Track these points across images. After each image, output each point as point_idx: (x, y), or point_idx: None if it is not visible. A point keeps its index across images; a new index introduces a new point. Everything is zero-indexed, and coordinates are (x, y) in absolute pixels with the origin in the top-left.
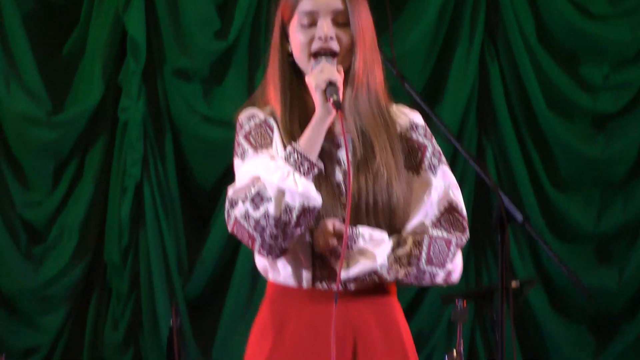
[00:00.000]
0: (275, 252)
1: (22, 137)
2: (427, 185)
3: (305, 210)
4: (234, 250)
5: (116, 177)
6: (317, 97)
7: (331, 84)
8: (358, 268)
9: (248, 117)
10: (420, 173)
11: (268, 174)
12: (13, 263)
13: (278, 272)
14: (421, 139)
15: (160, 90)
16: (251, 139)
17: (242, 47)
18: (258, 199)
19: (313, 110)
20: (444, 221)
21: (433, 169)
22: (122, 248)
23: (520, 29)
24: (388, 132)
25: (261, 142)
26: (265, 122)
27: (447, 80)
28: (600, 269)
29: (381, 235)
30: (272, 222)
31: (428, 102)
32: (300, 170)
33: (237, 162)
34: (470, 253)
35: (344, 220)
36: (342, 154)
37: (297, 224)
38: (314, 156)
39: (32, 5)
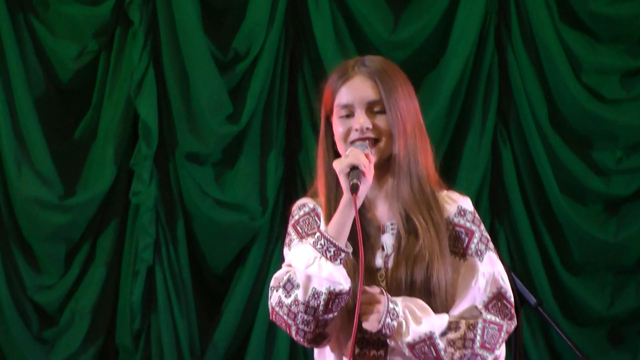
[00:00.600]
0: (309, 337)
1: (34, 221)
2: (474, 270)
3: (332, 295)
4: (246, 335)
5: (128, 260)
6: (342, 182)
7: (354, 168)
8: (415, 334)
9: (299, 207)
10: (467, 258)
11: (298, 261)
12: (24, 347)
13: (324, 357)
14: (469, 225)
15: (172, 173)
16: (298, 228)
17: (253, 131)
18: (289, 286)
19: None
20: (492, 307)
21: (480, 254)
22: (134, 332)
23: (532, 113)
24: (432, 217)
25: (307, 230)
26: (314, 210)
27: (460, 163)
28: (613, 353)
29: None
30: (301, 308)
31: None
32: (326, 256)
33: (285, 250)
34: None
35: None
36: (385, 239)
37: (326, 309)
38: (341, 241)
39: (43, 89)
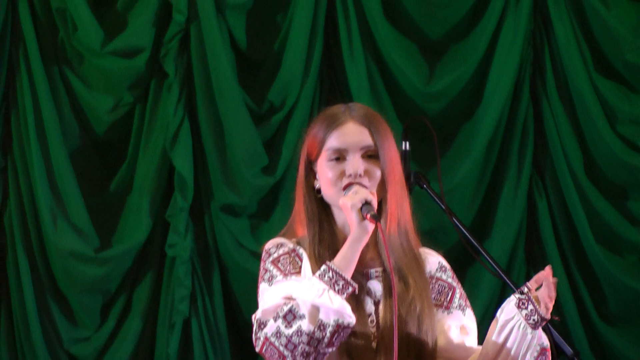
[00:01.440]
0: None
1: (70, 274)
2: (460, 322)
3: (339, 328)
4: None
5: (164, 312)
6: (352, 217)
7: (367, 203)
8: None
9: (276, 245)
10: (451, 311)
11: (301, 292)
12: None
13: None
14: (450, 280)
15: (207, 225)
16: (280, 265)
17: (289, 182)
18: (290, 316)
19: (342, 242)
20: None
21: (462, 309)
22: None
23: (568, 164)
24: (418, 268)
25: (290, 269)
26: (294, 251)
27: (496, 215)
28: None
29: None
30: (304, 339)
31: (477, 237)
32: (334, 289)
33: (262, 286)
34: None
35: (372, 351)
36: (372, 285)
37: (330, 342)
38: (348, 275)
39: (79, 142)
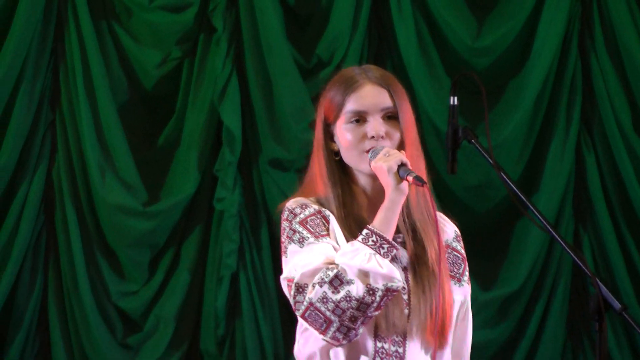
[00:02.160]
0: (349, 335)
1: (118, 228)
2: (465, 298)
3: (388, 292)
4: None
5: (212, 266)
6: (388, 180)
7: (403, 165)
8: None
9: (301, 206)
10: (462, 283)
11: (346, 257)
12: (109, 353)
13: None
14: (462, 251)
15: (255, 180)
16: (309, 227)
17: None
18: (337, 282)
19: (364, 205)
20: None
21: (469, 283)
22: (218, 338)
23: (616, 119)
24: (436, 231)
25: (319, 230)
26: (320, 212)
27: (544, 170)
28: None
29: None
30: (354, 304)
31: (524, 192)
32: (380, 252)
33: (292, 247)
34: (567, 343)
35: (405, 318)
36: (400, 253)
37: (379, 306)
38: (390, 237)
39: (127, 97)
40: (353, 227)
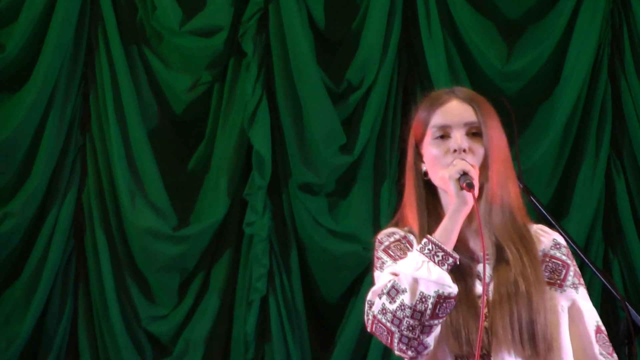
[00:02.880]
0: (413, 345)
1: (148, 252)
2: (573, 301)
3: (440, 298)
4: None
5: (242, 290)
6: (451, 189)
7: (465, 174)
8: None
9: (388, 235)
10: (564, 289)
11: (403, 267)
12: None
13: None
14: (564, 258)
15: (285, 204)
16: (390, 252)
17: (367, 161)
18: (394, 292)
19: None
20: (598, 340)
21: (575, 287)
22: None
23: None
24: (525, 246)
25: (400, 255)
26: (405, 237)
27: (573, 194)
28: None
29: None
30: (408, 312)
31: (554, 216)
32: (434, 260)
33: (376, 274)
34: None
35: (485, 331)
36: (480, 269)
37: (433, 313)
38: (449, 246)
39: (157, 121)
40: None
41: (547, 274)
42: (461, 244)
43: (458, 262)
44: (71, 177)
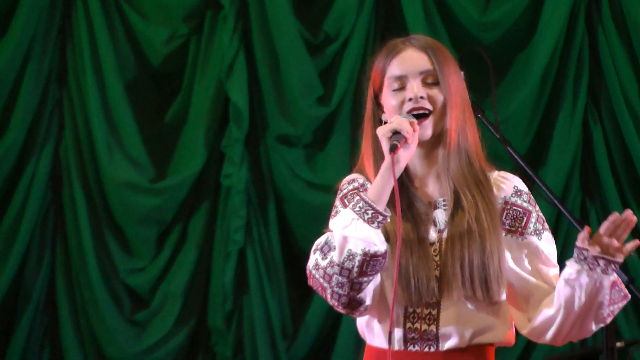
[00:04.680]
0: (343, 301)
1: (125, 205)
2: (534, 247)
3: (367, 256)
4: (338, 315)
5: (220, 243)
6: (383, 146)
7: (396, 133)
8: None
9: (348, 182)
10: (525, 237)
11: (336, 224)
12: (117, 329)
13: (373, 335)
14: (525, 204)
15: (263, 156)
16: (345, 201)
17: (344, 112)
18: (326, 248)
19: (411, 170)
20: None
21: (538, 233)
22: (226, 313)
23: (623, 92)
24: (482, 191)
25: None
26: (363, 186)
27: (551, 143)
28: None
29: None
30: (336, 269)
31: (531, 166)
32: (364, 218)
33: (330, 222)
34: None
35: (436, 280)
36: (437, 214)
37: (361, 271)
38: (380, 205)
39: (134, 74)
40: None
41: (508, 221)
42: (420, 189)
43: (388, 220)
44: (48, 131)
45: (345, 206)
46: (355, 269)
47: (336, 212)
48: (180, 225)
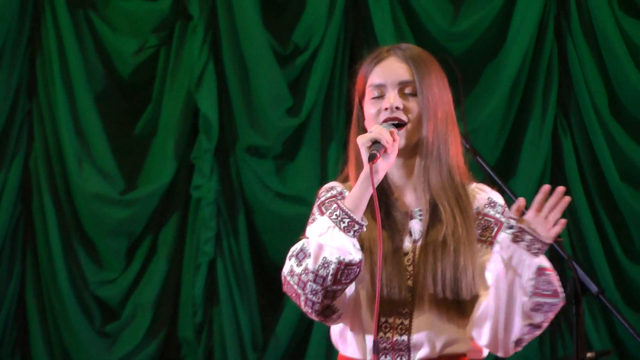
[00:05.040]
0: (317, 309)
1: (95, 216)
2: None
3: (341, 265)
4: (308, 326)
5: (190, 254)
6: (363, 155)
7: (375, 142)
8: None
9: (326, 189)
10: (494, 246)
11: (312, 231)
12: (87, 341)
13: (346, 344)
14: (498, 216)
15: (232, 167)
16: (322, 208)
17: (314, 123)
18: (302, 255)
19: (391, 179)
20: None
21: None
22: (196, 325)
23: (592, 102)
24: (460, 204)
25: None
26: (341, 194)
27: (520, 154)
28: None
29: None
30: (311, 277)
31: (501, 176)
32: (340, 226)
33: (307, 229)
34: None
35: (409, 290)
36: (413, 224)
37: (335, 280)
38: (357, 214)
39: (104, 84)
40: (367, 209)
41: (479, 231)
42: (398, 199)
43: (364, 229)
44: (18, 142)
45: (322, 214)
46: (330, 277)
47: (313, 220)
48: (150, 236)
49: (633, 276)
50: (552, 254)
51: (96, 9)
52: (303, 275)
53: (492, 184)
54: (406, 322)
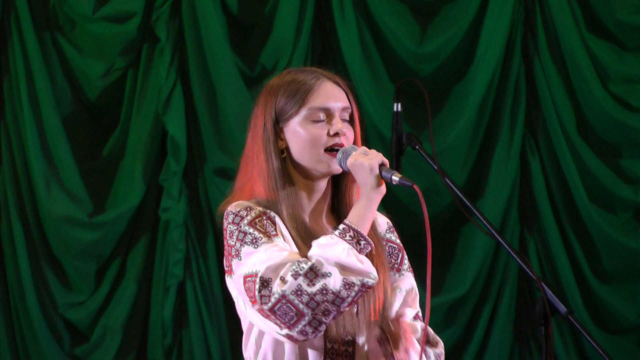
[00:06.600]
0: (319, 329)
1: (64, 239)
2: (409, 285)
3: (364, 287)
4: None
5: (159, 276)
6: (368, 179)
7: (383, 165)
8: None
9: (245, 209)
10: (402, 273)
11: (323, 250)
12: None
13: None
14: (398, 241)
15: (201, 189)
16: (259, 227)
17: None
18: (312, 274)
19: (305, 207)
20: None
21: (410, 270)
22: (165, 347)
23: (560, 123)
24: (374, 230)
25: (270, 230)
26: (265, 213)
27: (489, 174)
28: None
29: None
30: (330, 297)
31: (470, 197)
32: (357, 248)
33: (246, 249)
34: (514, 347)
35: (352, 317)
36: None
37: (352, 301)
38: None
39: (71, 107)
40: (300, 228)
41: (385, 256)
42: (317, 221)
43: (374, 250)
44: None
45: (262, 232)
46: (349, 299)
47: (254, 239)
48: (119, 259)
49: (602, 296)
50: (521, 274)
51: (63, 32)
52: (318, 295)
53: (461, 205)
54: (350, 349)
